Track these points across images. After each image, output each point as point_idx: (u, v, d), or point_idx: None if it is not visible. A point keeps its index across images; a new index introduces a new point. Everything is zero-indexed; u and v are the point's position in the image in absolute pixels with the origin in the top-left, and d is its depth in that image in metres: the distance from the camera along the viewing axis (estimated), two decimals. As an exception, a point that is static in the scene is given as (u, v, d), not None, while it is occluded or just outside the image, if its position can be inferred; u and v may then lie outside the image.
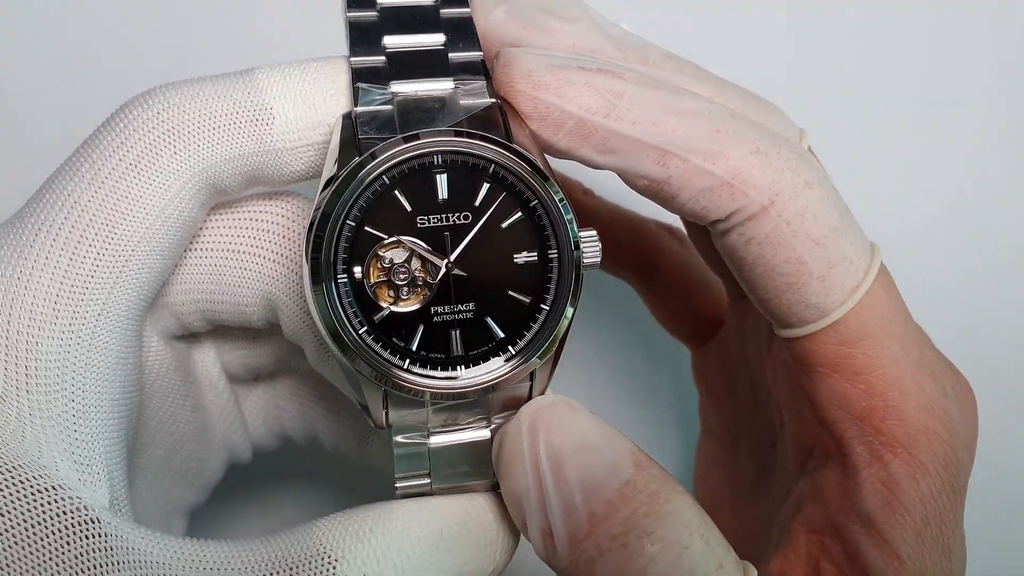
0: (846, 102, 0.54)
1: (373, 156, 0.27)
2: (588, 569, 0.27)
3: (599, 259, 0.29)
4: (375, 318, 0.28)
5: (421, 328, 0.28)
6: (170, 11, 0.53)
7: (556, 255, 0.29)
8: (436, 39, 0.31)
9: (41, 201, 0.27)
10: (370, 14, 0.31)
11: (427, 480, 0.30)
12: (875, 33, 0.55)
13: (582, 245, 0.29)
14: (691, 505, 0.28)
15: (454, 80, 0.30)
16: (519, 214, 0.29)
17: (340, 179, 0.27)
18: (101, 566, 0.24)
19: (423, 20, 0.31)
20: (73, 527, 0.24)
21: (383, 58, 0.30)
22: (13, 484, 0.24)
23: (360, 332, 0.28)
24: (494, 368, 0.29)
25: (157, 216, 0.28)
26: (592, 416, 0.29)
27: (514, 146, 0.28)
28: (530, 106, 0.29)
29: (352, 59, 0.30)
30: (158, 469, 0.34)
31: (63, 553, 0.24)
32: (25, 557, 0.23)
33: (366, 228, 0.28)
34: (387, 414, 0.29)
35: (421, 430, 0.30)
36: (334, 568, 0.26)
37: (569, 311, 0.29)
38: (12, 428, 0.25)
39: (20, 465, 0.25)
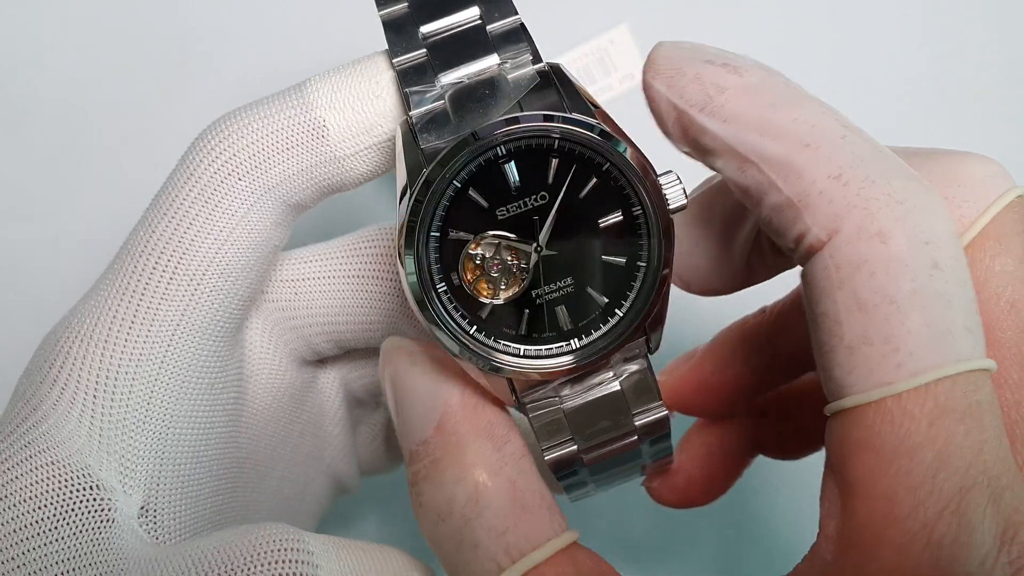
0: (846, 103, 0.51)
1: (441, 164, 0.28)
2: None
3: (684, 201, 0.29)
4: (481, 314, 0.29)
5: (527, 312, 0.29)
6: (170, 10, 0.53)
7: (640, 210, 0.29)
8: (471, 14, 0.30)
9: (133, 232, 0.31)
10: (401, 7, 0.30)
11: (572, 444, 0.31)
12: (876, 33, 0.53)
13: (664, 191, 0.29)
14: (470, 482, 0.28)
15: (498, 55, 0.30)
16: (594, 180, 0.29)
17: (415, 193, 0.28)
18: (99, 564, 0.27)
19: (457, 2, 0.30)
20: (91, 524, 0.27)
21: (423, 51, 0.30)
22: (53, 474, 0.28)
23: (471, 332, 0.29)
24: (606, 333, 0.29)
25: (225, 240, 0.30)
26: (428, 368, 0.29)
27: (571, 115, 0.28)
28: (648, 95, 0.29)
29: (394, 60, 0.30)
30: (273, 496, 0.36)
31: (73, 541, 0.27)
32: (43, 538, 0.27)
33: (450, 233, 0.29)
34: (516, 394, 0.30)
35: (552, 397, 0.31)
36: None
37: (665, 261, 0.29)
38: (72, 426, 0.28)
39: (66, 458, 0.28)
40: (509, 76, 0.29)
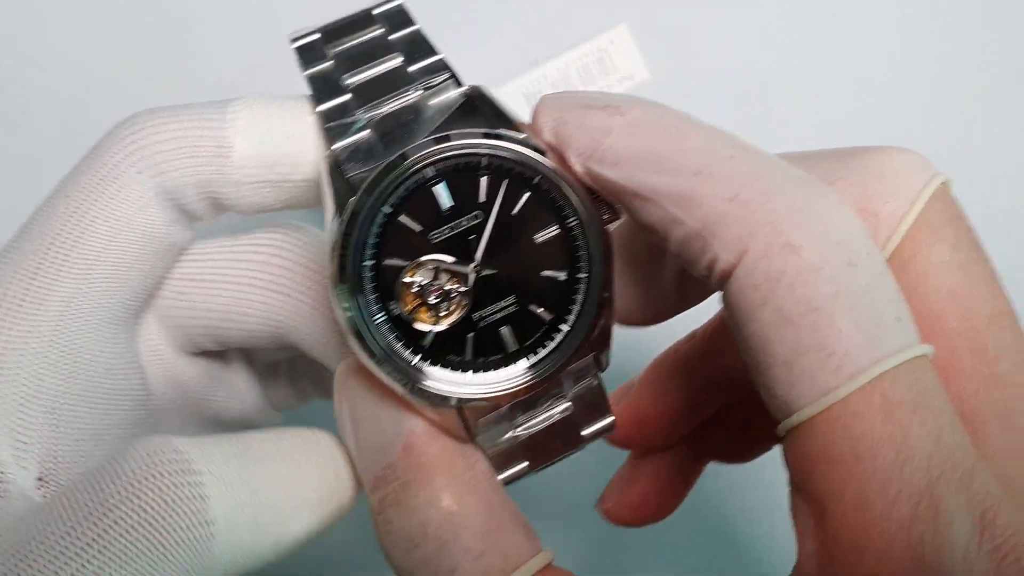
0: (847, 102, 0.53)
1: (369, 191, 0.27)
2: (373, 522, 0.28)
3: (621, 213, 0.29)
4: (424, 343, 0.28)
5: (471, 337, 0.28)
6: (170, 9, 0.53)
7: (576, 221, 0.28)
8: (394, 62, 0.30)
9: (35, 211, 0.30)
10: (326, 64, 0.30)
11: (525, 465, 0.30)
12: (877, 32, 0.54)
13: (599, 202, 0.28)
14: (442, 504, 0.27)
15: (420, 86, 0.29)
16: (527, 194, 0.28)
17: (344, 223, 0.27)
18: None
19: (377, 50, 0.30)
20: None
21: (348, 95, 0.30)
22: None
23: (414, 363, 0.28)
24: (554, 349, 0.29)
25: (121, 228, 0.29)
26: (382, 389, 0.28)
27: (497, 131, 0.28)
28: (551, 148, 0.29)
29: (318, 108, 0.29)
30: None
31: None
32: None
33: (384, 262, 0.28)
34: (468, 427, 0.29)
35: (505, 426, 0.30)
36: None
37: (605, 272, 0.28)
38: None
39: None
40: (431, 102, 0.29)
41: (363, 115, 0.29)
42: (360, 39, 0.31)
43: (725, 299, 0.26)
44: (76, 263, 0.29)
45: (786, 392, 0.24)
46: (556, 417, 0.30)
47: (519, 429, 0.30)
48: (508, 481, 0.30)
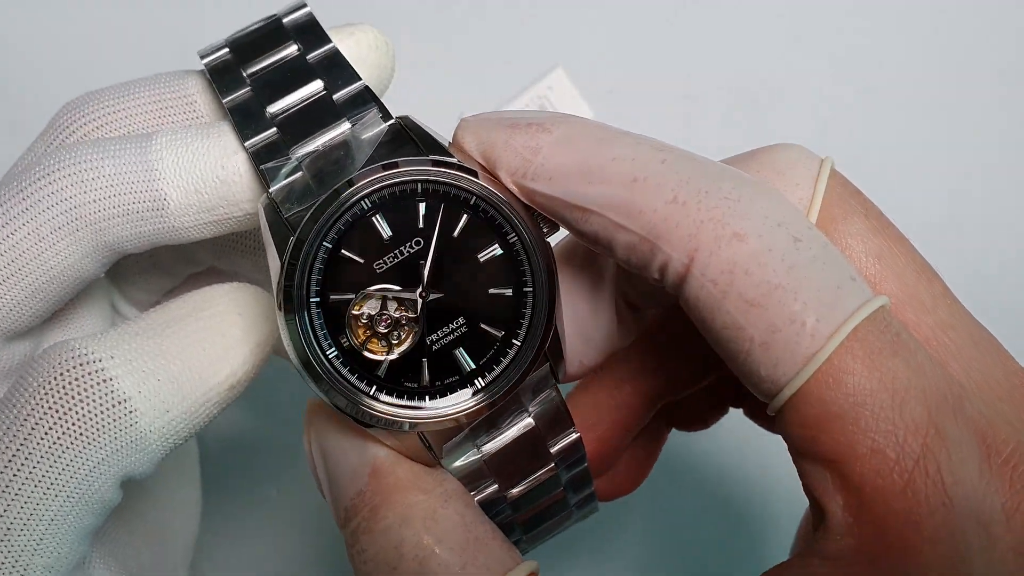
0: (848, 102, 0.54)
1: (307, 229, 0.28)
2: (349, 559, 0.28)
3: (557, 228, 0.29)
4: (379, 373, 0.28)
5: (425, 362, 0.28)
6: (170, 9, 0.53)
7: (515, 236, 0.29)
8: (315, 87, 0.30)
9: None
10: (244, 91, 0.31)
11: (495, 486, 0.30)
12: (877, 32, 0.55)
13: (536, 216, 0.29)
14: (415, 520, 0.27)
15: (348, 119, 0.30)
16: (465, 217, 0.29)
17: (285, 264, 0.27)
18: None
19: (294, 74, 0.31)
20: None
21: (274, 129, 0.30)
22: None
23: (371, 394, 0.28)
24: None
25: (53, 278, 0.29)
26: (346, 423, 0.29)
27: (428, 157, 0.28)
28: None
29: (246, 144, 0.30)
30: None
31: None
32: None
33: (331, 297, 0.28)
34: (432, 451, 0.29)
35: (468, 447, 0.30)
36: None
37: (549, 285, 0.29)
38: None
39: None
40: (362, 136, 0.30)
41: (295, 153, 0.29)
42: (276, 60, 0.31)
43: (684, 299, 0.27)
44: None
45: (771, 371, 0.25)
46: (517, 432, 0.30)
47: (483, 445, 0.30)
48: (480, 503, 0.30)
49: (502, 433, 0.30)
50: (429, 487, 0.28)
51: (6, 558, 0.26)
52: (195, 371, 0.28)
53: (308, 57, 0.31)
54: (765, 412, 0.27)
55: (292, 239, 0.28)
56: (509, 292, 0.29)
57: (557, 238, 0.30)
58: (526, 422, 0.30)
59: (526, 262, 0.29)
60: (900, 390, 0.24)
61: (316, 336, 0.28)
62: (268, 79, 0.31)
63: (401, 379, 0.28)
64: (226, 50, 0.31)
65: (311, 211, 0.28)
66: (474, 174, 0.28)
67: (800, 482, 0.27)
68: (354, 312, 0.28)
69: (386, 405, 0.28)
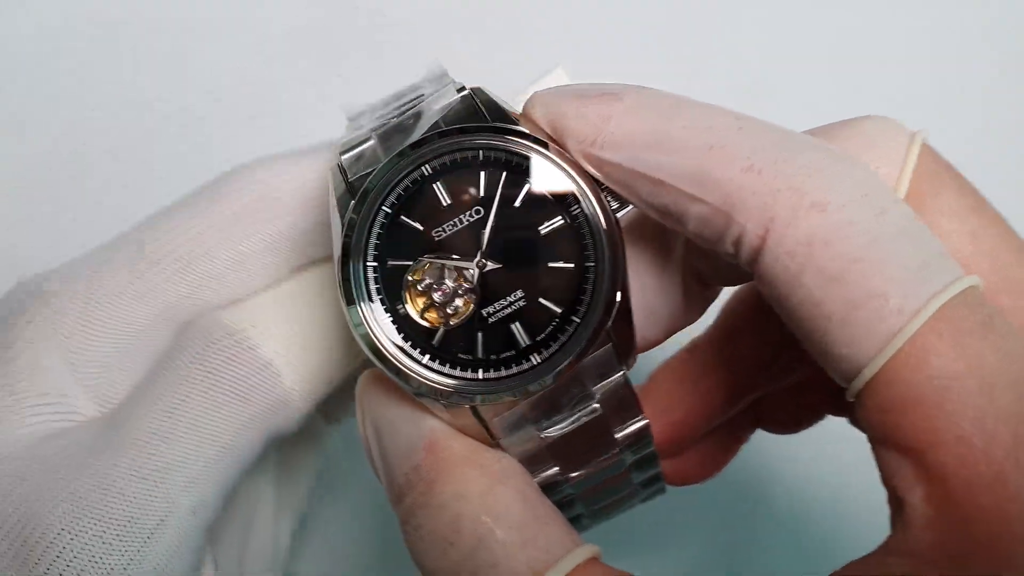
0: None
1: (367, 191, 0.27)
2: (403, 534, 0.28)
3: (627, 203, 0.28)
4: (434, 342, 0.27)
5: (480, 335, 0.28)
6: (171, 9, 0.55)
7: (579, 211, 0.28)
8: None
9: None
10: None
11: (556, 468, 0.29)
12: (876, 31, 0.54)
13: (605, 190, 0.28)
14: (473, 496, 0.26)
15: (423, 94, 0.30)
16: (527, 187, 0.28)
17: (345, 226, 0.27)
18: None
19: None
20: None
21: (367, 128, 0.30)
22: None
23: (424, 362, 0.27)
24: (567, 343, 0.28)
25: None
26: (401, 395, 0.28)
27: (492, 124, 0.28)
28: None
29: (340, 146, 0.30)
30: None
31: None
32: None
33: (389, 263, 0.28)
34: (489, 431, 0.28)
35: (530, 429, 0.29)
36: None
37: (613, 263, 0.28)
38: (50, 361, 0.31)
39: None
40: (434, 106, 0.29)
41: (369, 125, 0.30)
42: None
43: (759, 274, 0.25)
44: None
45: (849, 350, 0.24)
46: (584, 419, 0.29)
47: (545, 432, 0.29)
48: (540, 483, 0.29)
49: (566, 418, 0.29)
50: (487, 463, 0.27)
51: (159, 491, 0.28)
52: (324, 336, 0.31)
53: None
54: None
55: (352, 205, 0.27)
56: (571, 267, 0.28)
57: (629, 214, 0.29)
58: (591, 407, 0.29)
59: (589, 236, 0.28)
60: (989, 375, 0.22)
61: (373, 304, 0.27)
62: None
63: (455, 350, 0.28)
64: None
65: (372, 175, 0.27)
66: (540, 143, 0.28)
67: (878, 474, 0.25)
68: (411, 279, 0.28)
69: (437, 374, 0.27)
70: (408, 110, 0.30)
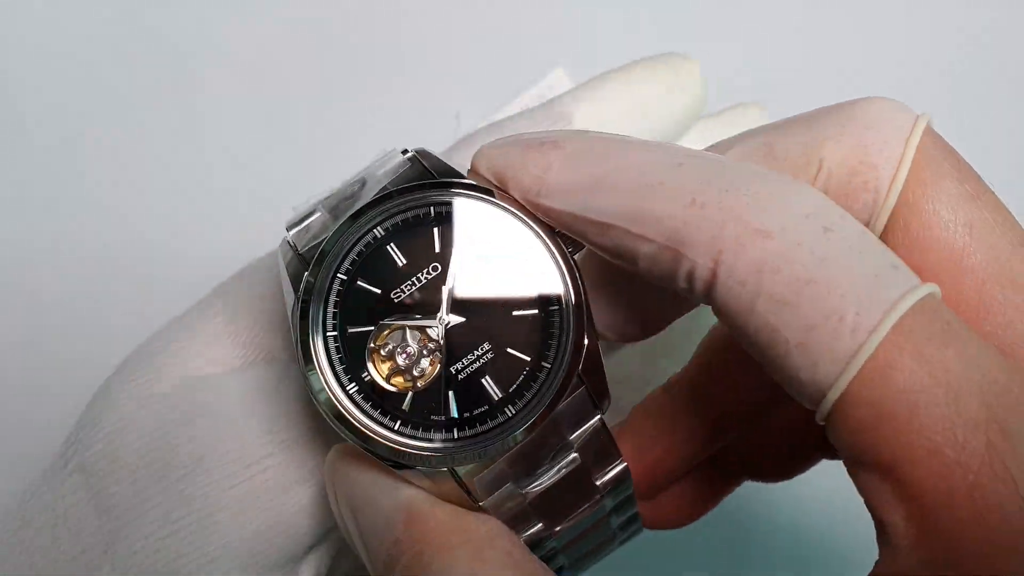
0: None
1: (319, 261, 0.27)
2: None
3: (580, 243, 0.28)
4: (403, 407, 0.27)
5: (451, 394, 0.27)
6: (170, 8, 0.54)
7: (537, 257, 0.27)
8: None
9: None
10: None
11: (540, 524, 0.28)
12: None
13: (558, 235, 0.28)
14: (461, 563, 0.25)
15: (370, 168, 0.30)
16: (482, 238, 0.28)
17: (300, 297, 0.27)
18: None
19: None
20: None
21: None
22: None
23: (396, 428, 0.26)
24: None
25: None
26: (374, 465, 0.27)
27: (439, 180, 0.28)
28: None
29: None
30: None
31: None
32: None
33: (349, 330, 0.27)
34: (470, 493, 0.27)
35: (511, 487, 0.28)
36: None
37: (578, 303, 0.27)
38: None
39: None
40: (379, 172, 0.29)
41: (316, 199, 0.29)
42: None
43: (715, 306, 0.25)
44: None
45: (811, 374, 0.23)
46: (564, 470, 0.28)
47: (527, 488, 0.28)
48: (526, 542, 0.28)
49: (546, 472, 0.28)
50: (471, 528, 0.26)
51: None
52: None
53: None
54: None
55: (305, 276, 0.27)
56: (535, 312, 0.27)
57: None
58: (571, 458, 0.28)
59: (552, 280, 0.27)
60: (955, 384, 0.22)
61: (336, 374, 0.26)
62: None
63: (428, 413, 0.27)
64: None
65: (324, 243, 0.27)
66: (489, 194, 0.27)
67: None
68: (373, 345, 0.27)
69: (411, 439, 0.26)
70: (352, 180, 0.29)
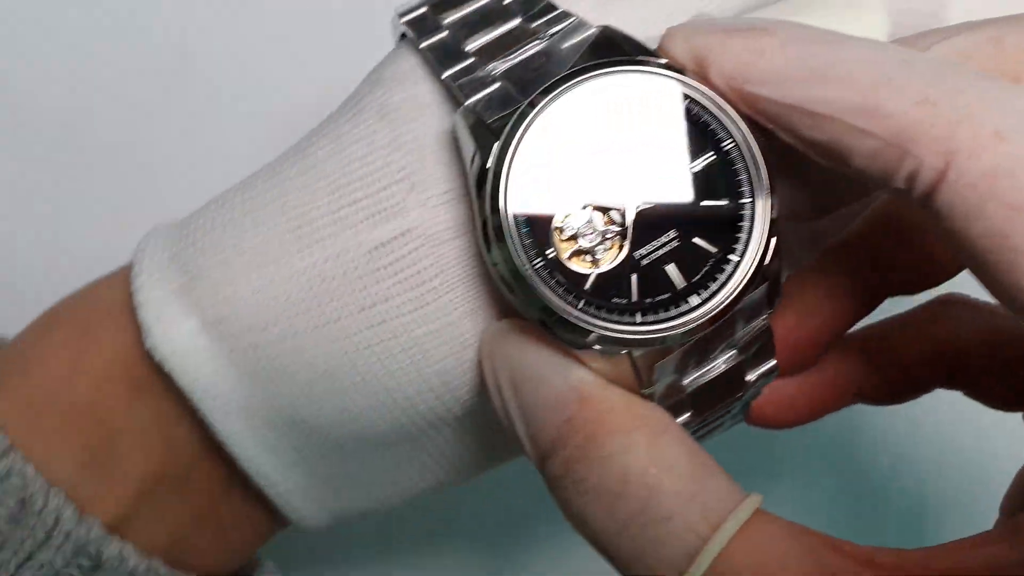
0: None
1: (514, 129, 0.26)
2: (552, 494, 0.26)
3: (774, 140, 0.27)
4: (586, 287, 0.26)
5: (634, 277, 0.26)
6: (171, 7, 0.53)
7: (732, 144, 0.27)
8: (513, 22, 0.29)
9: None
10: (442, 34, 0.29)
11: (690, 414, 0.29)
12: None
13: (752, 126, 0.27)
14: (639, 446, 0.25)
15: (546, 37, 0.28)
16: (677, 122, 0.27)
17: (491, 171, 0.26)
18: None
19: (491, 14, 0.29)
20: None
21: (472, 59, 0.29)
22: None
23: (579, 307, 0.26)
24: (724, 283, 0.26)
25: None
26: (543, 342, 0.27)
27: (635, 58, 0.27)
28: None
29: (443, 75, 0.28)
30: None
31: None
32: None
33: (536, 206, 0.26)
34: (640, 375, 0.27)
35: (671, 374, 0.28)
36: None
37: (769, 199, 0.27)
38: None
39: None
40: (562, 45, 0.28)
41: (492, 69, 0.28)
42: (471, 6, 0.30)
43: (936, 208, 0.24)
44: None
45: None
46: (724, 366, 0.28)
47: (689, 380, 0.28)
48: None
49: (710, 365, 0.28)
50: (646, 412, 0.26)
51: None
52: None
53: (504, 2, 0.30)
54: (995, 390, 0.24)
55: (497, 146, 0.26)
56: (725, 204, 0.27)
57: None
58: (732, 354, 0.28)
59: (744, 171, 0.27)
60: None
61: (520, 248, 0.26)
62: (464, 21, 0.29)
63: (609, 295, 0.26)
64: (424, 7, 0.30)
65: (519, 113, 0.26)
66: (689, 78, 0.27)
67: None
68: (558, 224, 0.26)
69: (593, 319, 0.26)
70: (535, 53, 0.28)
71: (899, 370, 0.34)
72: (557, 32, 0.29)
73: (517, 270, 0.26)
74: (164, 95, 0.53)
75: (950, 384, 0.35)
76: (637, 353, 0.26)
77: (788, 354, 0.31)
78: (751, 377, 0.29)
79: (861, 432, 0.52)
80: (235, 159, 0.51)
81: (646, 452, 0.25)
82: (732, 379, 0.29)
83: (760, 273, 0.27)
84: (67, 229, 0.52)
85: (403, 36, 0.31)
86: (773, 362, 0.30)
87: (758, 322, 0.28)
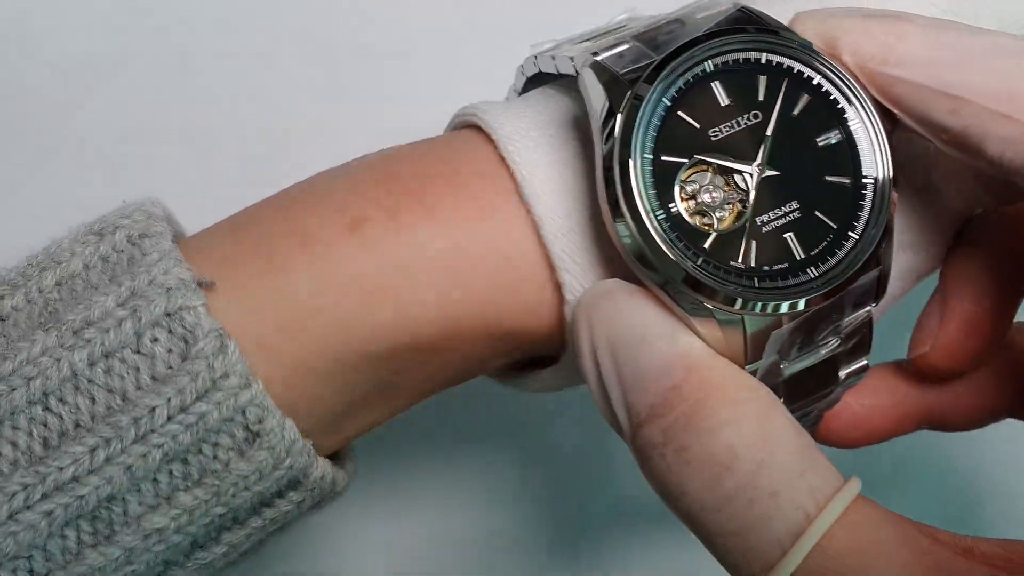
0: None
1: (649, 81, 0.26)
2: (642, 463, 0.25)
3: (896, 126, 0.27)
4: (705, 246, 0.26)
5: (754, 243, 0.26)
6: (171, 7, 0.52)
7: (859, 125, 0.27)
8: None
9: None
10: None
11: (782, 402, 0.27)
12: None
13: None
14: (749, 419, 0.24)
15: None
16: (806, 97, 0.27)
17: (624, 119, 0.26)
18: None
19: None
20: None
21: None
22: None
23: (698, 263, 0.25)
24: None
25: None
26: (653, 306, 0.26)
27: (772, 29, 0.27)
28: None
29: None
30: None
31: None
32: None
33: (663, 158, 0.26)
34: (748, 347, 0.26)
35: (774, 355, 0.27)
36: None
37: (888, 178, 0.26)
38: None
39: None
40: (698, 15, 0.28)
41: (626, 32, 0.28)
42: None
43: None
44: None
45: None
46: (825, 354, 0.28)
47: (789, 363, 0.27)
48: None
49: (811, 352, 0.27)
50: (756, 386, 0.25)
51: None
52: None
53: None
54: None
55: (630, 94, 0.26)
56: (847, 182, 0.27)
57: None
58: (833, 344, 0.28)
59: (868, 152, 0.27)
60: None
61: (648, 196, 0.25)
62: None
63: (728, 257, 0.26)
64: None
65: (652, 66, 0.26)
66: (821, 56, 0.27)
67: None
68: (683, 178, 0.26)
69: (710, 278, 0.25)
70: (668, 19, 0.28)
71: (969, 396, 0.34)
72: (693, 4, 0.29)
73: (641, 221, 0.25)
74: (164, 95, 0.53)
75: None
76: (750, 324, 0.26)
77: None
78: (843, 373, 0.29)
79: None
80: (235, 158, 0.51)
81: (757, 425, 0.24)
82: (827, 371, 0.28)
83: (875, 256, 0.26)
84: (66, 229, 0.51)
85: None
86: (865, 360, 0.29)
87: (862, 313, 0.27)
